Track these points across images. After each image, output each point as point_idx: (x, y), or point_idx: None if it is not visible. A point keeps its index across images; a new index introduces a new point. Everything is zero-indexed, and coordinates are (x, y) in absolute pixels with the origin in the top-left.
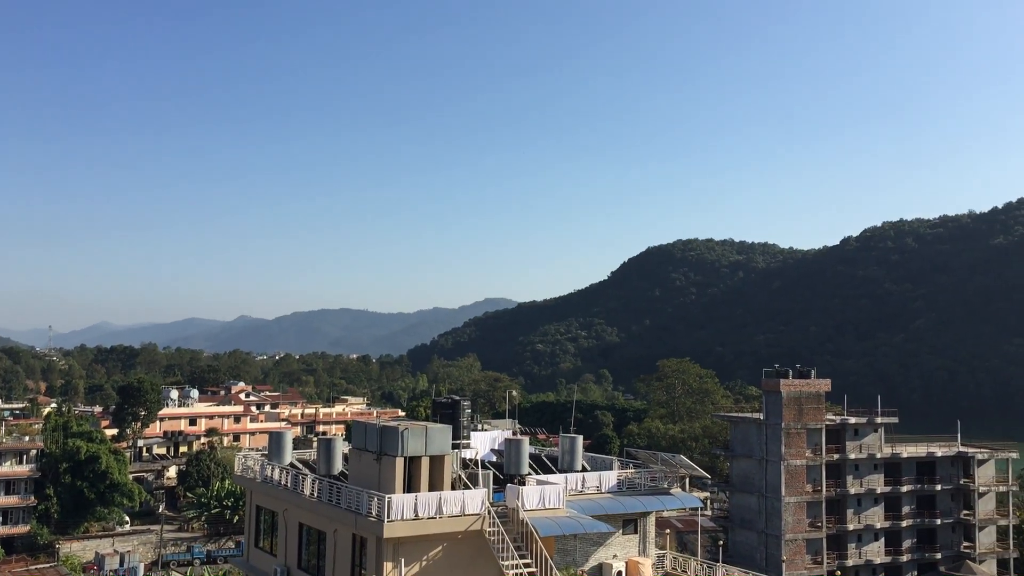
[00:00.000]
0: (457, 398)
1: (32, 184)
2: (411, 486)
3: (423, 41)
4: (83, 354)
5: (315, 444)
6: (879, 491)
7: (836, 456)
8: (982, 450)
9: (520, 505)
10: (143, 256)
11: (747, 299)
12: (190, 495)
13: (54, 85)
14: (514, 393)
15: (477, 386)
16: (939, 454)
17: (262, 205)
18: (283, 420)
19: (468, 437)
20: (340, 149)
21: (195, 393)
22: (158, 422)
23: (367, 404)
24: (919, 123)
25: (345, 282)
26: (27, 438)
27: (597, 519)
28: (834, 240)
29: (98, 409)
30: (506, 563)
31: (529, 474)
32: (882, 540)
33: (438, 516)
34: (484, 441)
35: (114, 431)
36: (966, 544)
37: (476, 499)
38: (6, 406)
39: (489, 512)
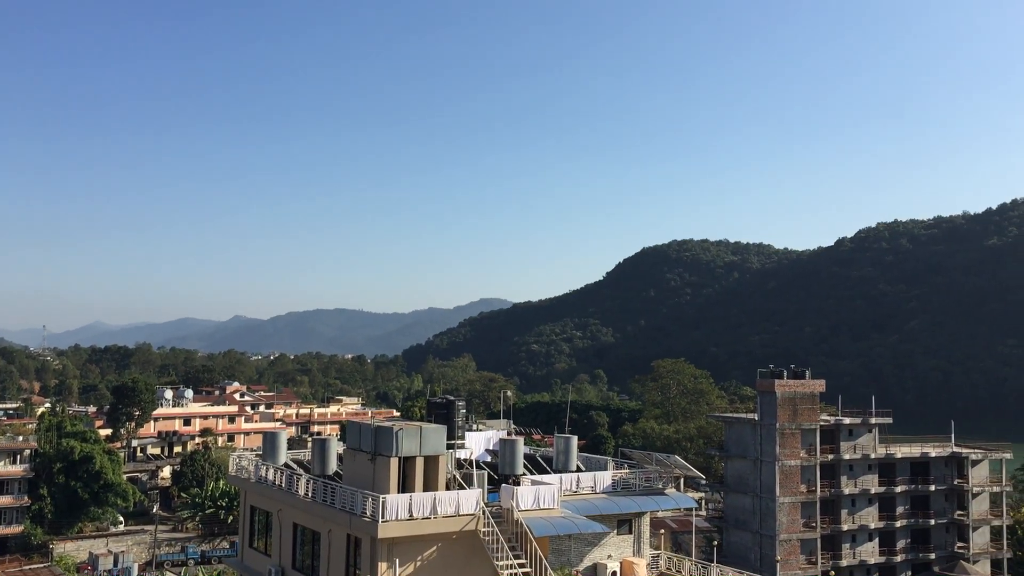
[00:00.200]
0: (452, 398)
1: (27, 184)
2: (406, 486)
3: (423, 41)
4: (77, 354)
5: (310, 444)
6: (873, 491)
7: (830, 456)
8: (976, 451)
9: (515, 505)
10: (138, 256)
11: (742, 299)
12: (184, 495)
13: (52, 85)
14: (509, 393)
15: (472, 386)
16: (933, 454)
17: (258, 205)
18: (278, 420)
19: (463, 437)
20: (338, 149)
21: (189, 393)
22: (152, 422)
23: (362, 404)
24: (914, 124)
25: (340, 282)
26: (21, 438)
27: (592, 519)
28: (829, 241)
29: (92, 409)
30: (501, 563)
31: (524, 474)
32: (876, 540)
33: (433, 516)
34: (479, 441)
35: (108, 431)
36: (960, 544)
37: (471, 499)
38: (0, 406)
39: (484, 512)
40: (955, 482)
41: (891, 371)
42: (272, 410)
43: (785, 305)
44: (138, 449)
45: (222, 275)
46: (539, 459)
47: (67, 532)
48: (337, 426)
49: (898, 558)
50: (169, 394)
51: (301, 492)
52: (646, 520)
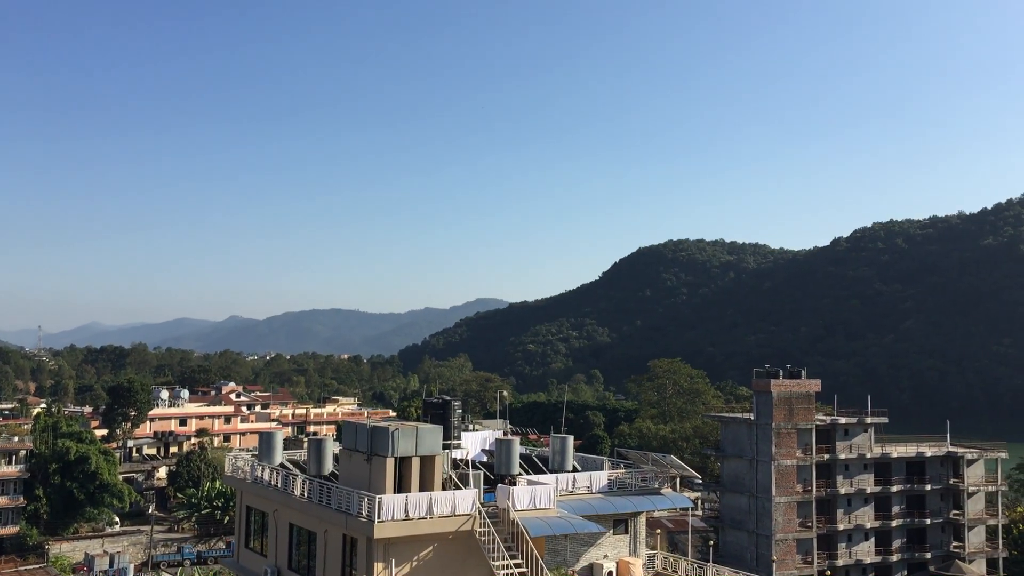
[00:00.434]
0: (448, 398)
1: (24, 183)
2: (401, 486)
3: (423, 41)
4: (73, 354)
5: (306, 444)
6: (869, 491)
7: (826, 456)
8: (971, 450)
9: (511, 505)
10: (134, 256)
11: (738, 299)
12: (180, 496)
13: (50, 85)
14: (505, 393)
15: (468, 386)
16: (929, 454)
17: (254, 206)
18: (274, 420)
19: (459, 437)
20: (334, 150)
21: (185, 393)
22: (148, 422)
23: (358, 404)
24: (909, 125)
25: (336, 282)
26: (16, 438)
27: (588, 519)
28: (824, 241)
29: (88, 409)
30: (497, 563)
31: (520, 474)
32: (872, 540)
33: (428, 516)
34: (475, 441)
35: (104, 431)
36: (956, 544)
37: (467, 499)
38: None
39: (480, 512)
40: (951, 482)
41: (887, 371)
42: (268, 410)
43: (781, 305)
44: (134, 449)
45: (218, 275)
46: (535, 459)
47: (63, 533)
48: (333, 426)
49: (894, 558)
50: (165, 394)
51: (297, 492)
52: (642, 520)
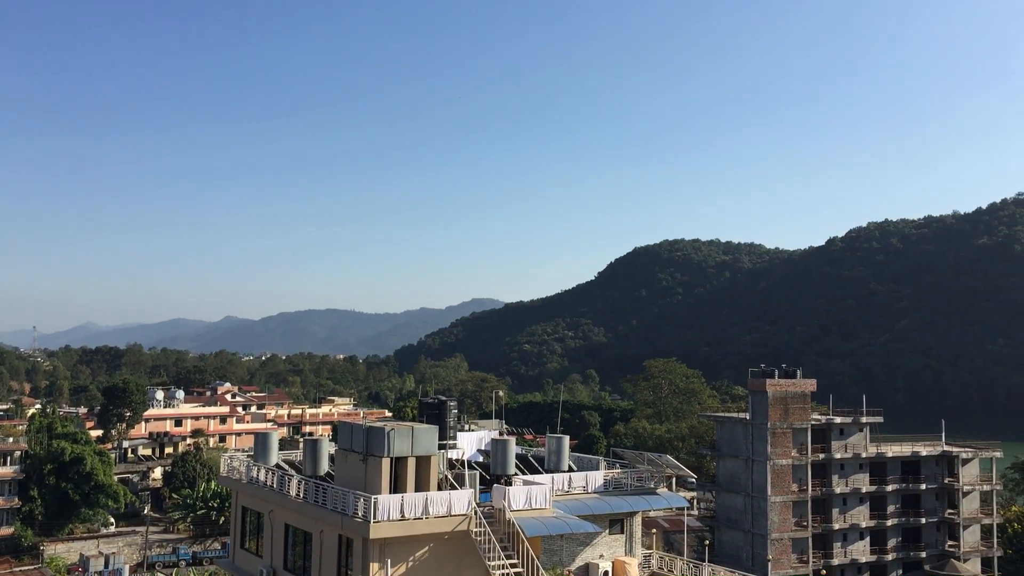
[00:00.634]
0: (444, 398)
1: (20, 183)
2: (397, 487)
3: (422, 41)
4: (68, 355)
5: (301, 445)
6: (864, 490)
7: (822, 456)
8: (966, 449)
9: (507, 505)
10: (129, 257)
11: (733, 299)
12: (175, 496)
13: (49, 85)
14: (501, 393)
15: (464, 386)
16: (924, 453)
17: (253, 206)
18: (269, 421)
19: (455, 437)
20: (332, 150)
21: (181, 394)
22: (143, 423)
23: (354, 405)
24: (906, 126)
25: (331, 282)
26: (11, 439)
27: (584, 519)
28: (820, 240)
29: (83, 410)
30: (492, 563)
31: (516, 474)
32: (867, 539)
33: (424, 517)
34: (471, 441)
35: (99, 432)
36: (951, 543)
37: (462, 499)
38: None
39: (476, 512)
40: (945, 481)
41: (882, 370)
42: (263, 411)
43: (776, 305)
44: (129, 450)
45: (214, 276)
46: (531, 459)
47: (58, 534)
48: (329, 427)
49: (889, 557)
50: (160, 395)
51: (293, 493)
52: (638, 520)
